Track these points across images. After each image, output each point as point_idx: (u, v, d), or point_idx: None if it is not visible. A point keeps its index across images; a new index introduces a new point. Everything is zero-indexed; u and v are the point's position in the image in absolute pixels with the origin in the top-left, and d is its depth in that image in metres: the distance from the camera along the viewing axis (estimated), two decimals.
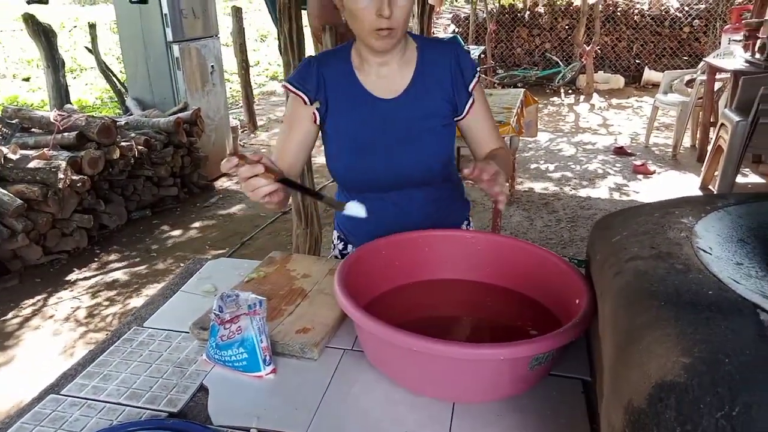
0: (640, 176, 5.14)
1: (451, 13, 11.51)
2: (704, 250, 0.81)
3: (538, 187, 5.01)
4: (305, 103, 1.33)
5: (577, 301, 0.96)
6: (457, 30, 10.69)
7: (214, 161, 5.46)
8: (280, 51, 2.93)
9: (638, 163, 5.34)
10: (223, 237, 4.34)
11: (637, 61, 9.82)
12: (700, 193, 4.61)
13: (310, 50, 3.01)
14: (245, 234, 4.35)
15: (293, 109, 1.35)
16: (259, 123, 7.83)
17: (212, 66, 5.53)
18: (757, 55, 4.46)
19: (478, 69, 1.49)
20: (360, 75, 1.33)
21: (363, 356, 1.03)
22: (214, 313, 0.99)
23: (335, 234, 1.60)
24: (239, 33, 7.32)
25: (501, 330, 1.09)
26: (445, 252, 1.18)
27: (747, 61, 4.63)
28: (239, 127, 6.88)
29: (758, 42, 4.50)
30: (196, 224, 4.58)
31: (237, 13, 7.28)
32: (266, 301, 1.00)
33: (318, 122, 1.35)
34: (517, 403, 0.91)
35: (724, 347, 0.58)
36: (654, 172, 5.20)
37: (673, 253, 0.80)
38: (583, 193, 4.82)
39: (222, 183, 5.52)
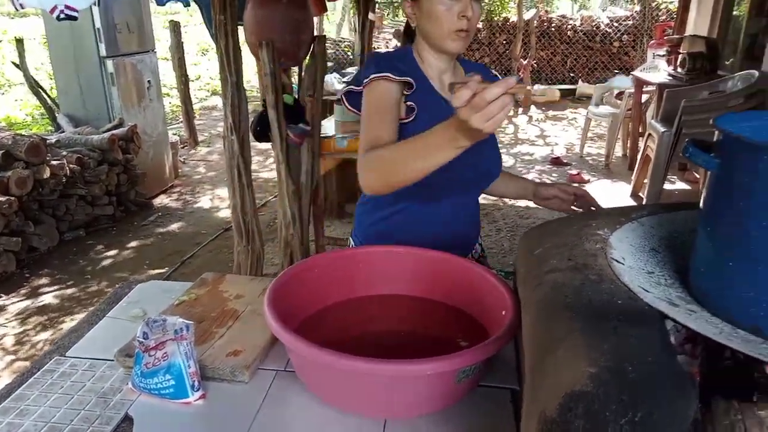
0: (575, 185, 5.32)
1: (393, 28, 11.65)
2: (617, 261, 0.85)
3: (479, 197, 5.10)
4: (408, 87, 1.29)
5: (503, 313, 0.99)
6: (398, 45, 10.82)
7: (152, 178, 5.32)
8: (219, 69, 2.89)
9: (573, 172, 5.53)
10: (162, 256, 4.22)
11: (571, 74, 10.21)
12: (631, 199, 4.82)
13: (248, 67, 2.99)
14: (185, 252, 4.25)
15: (380, 93, 1.26)
16: (201, 138, 7.68)
17: (149, 81, 5.40)
18: (679, 69, 4.72)
19: None
20: (428, 78, 1.36)
21: (295, 377, 1.02)
22: (138, 340, 0.96)
23: (352, 245, 1.52)
24: (178, 47, 7.19)
25: (434, 343, 1.11)
26: (380, 268, 1.19)
27: (670, 75, 4.89)
28: (179, 142, 6.73)
29: (679, 57, 4.76)
30: (134, 243, 4.44)
31: (175, 27, 7.16)
32: (194, 325, 0.98)
33: (411, 117, 1.29)
34: (447, 415, 0.92)
35: (629, 356, 0.60)
36: (588, 181, 5.40)
37: (588, 264, 0.84)
38: (522, 203, 4.95)
39: (161, 200, 5.38)
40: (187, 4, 4.83)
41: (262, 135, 2.96)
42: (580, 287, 0.77)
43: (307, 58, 2.94)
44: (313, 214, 3.45)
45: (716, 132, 0.75)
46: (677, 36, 5.39)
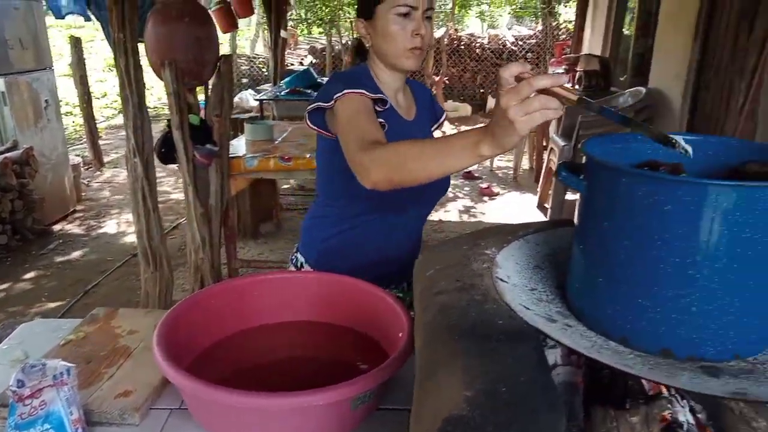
0: (486, 198, 5.51)
1: (308, 44, 11.66)
2: (502, 279, 0.88)
3: None
4: (368, 96, 1.26)
5: (400, 335, 1.00)
6: (314, 61, 10.83)
7: (51, 203, 5.00)
8: (119, 88, 2.78)
9: (484, 185, 5.73)
10: (63, 286, 3.97)
11: (481, 90, 10.59)
12: (537, 210, 5.04)
13: (160, 85, 2.88)
14: (89, 281, 4.01)
15: (357, 104, 1.22)
16: (106, 159, 7.32)
17: (46, 100, 5.09)
18: (576, 86, 5.01)
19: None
20: (387, 97, 1.36)
21: (190, 415, 0.98)
22: (11, 390, 0.89)
23: (301, 261, 1.46)
24: (79, 64, 6.84)
25: (334, 369, 1.10)
26: (276, 295, 1.17)
27: None
28: (82, 164, 6.39)
29: (577, 74, 5.05)
30: (31, 274, 4.15)
31: (76, 43, 6.82)
32: (75, 368, 0.92)
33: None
34: None
35: (504, 376, 0.63)
36: (498, 194, 5.61)
37: (475, 284, 0.86)
38: (435, 217, 5.06)
39: (62, 227, 5.06)
40: (87, 19, 4.62)
41: (168, 157, 2.87)
42: (465, 308, 0.79)
43: (213, 76, 2.88)
44: (225, 236, 3.36)
45: (584, 156, 0.80)
46: (574, 55, 5.73)
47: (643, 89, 4.20)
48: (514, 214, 4.99)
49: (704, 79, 3.45)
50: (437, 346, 0.71)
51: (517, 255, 0.99)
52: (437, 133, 1.50)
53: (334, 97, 1.23)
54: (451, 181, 5.45)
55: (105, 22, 4.26)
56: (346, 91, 1.23)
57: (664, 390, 0.83)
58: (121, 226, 5.14)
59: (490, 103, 10.26)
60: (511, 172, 6.30)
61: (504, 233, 1.06)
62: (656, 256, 0.70)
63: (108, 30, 4.13)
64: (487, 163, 6.74)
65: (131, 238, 4.71)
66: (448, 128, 9.20)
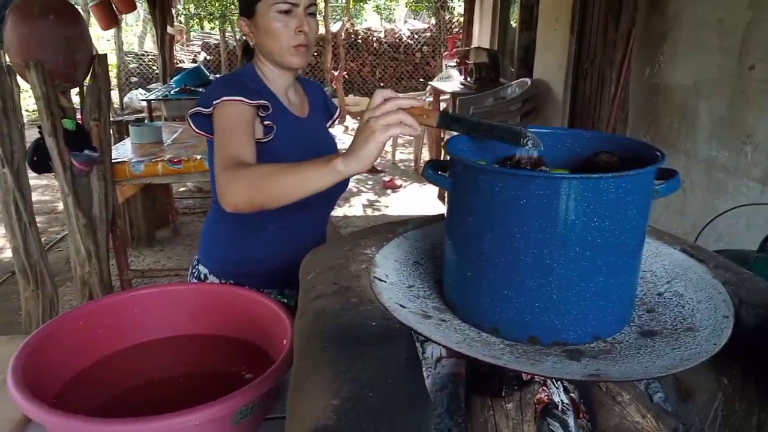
0: (389, 191, 5.58)
1: (201, 40, 11.23)
2: (380, 279, 0.88)
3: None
4: (260, 112, 1.26)
5: (285, 342, 0.98)
6: (208, 57, 10.46)
7: None
8: None
9: (387, 179, 5.79)
10: None
11: (381, 83, 10.68)
12: (438, 201, 5.17)
13: (26, 88, 2.65)
14: None
15: (233, 113, 1.20)
16: None
17: None
18: (468, 79, 5.18)
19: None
20: (276, 95, 1.35)
21: None
22: None
23: (204, 273, 1.38)
24: None
25: (221, 383, 1.06)
26: (158, 309, 1.12)
27: (461, 84, 5.34)
28: None
29: (468, 67, 5.21)
30: None
31: None
32: None
33: (269, 137, 1.28)
34: None
35: (370, 381, 0.63)
36: (401, 186, 5.69)
37: (351, 286, 0.86)
38: (340, 212, 5.06)
39: None
40: None
41: (41, 165, 2.65)
42: (339, 312, 0.78)
43: (88, 78, 2.69)
44: (114, 246, 3.17)
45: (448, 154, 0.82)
46: (465, 48, 5.91)
47: (528, 80, 4.41)
48: (416, 206, 5.08)
49: (581, 70, 3.68)
50: (308, 353, 0.70)
51: (396, 252, 0.99)
52: (333, 130, 1.52)
53: (213, 103, 1.21)
54: (355, 176, 5.42)
55: None
56: (223, 98, 1.20)
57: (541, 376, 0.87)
58: None
59: None
60: (413, 164, 6.41)
61: (384, 231, 1.06)
62: (516, 248, 0.73)
63: None
64: (389, 156, 6.82)
65: (8, 255, 4.34)
66: (351, 123, 9.21)
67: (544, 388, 0.88)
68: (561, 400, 0.88)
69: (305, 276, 0.99)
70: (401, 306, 0.81)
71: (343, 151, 0.97)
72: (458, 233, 0.80)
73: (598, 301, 0.76)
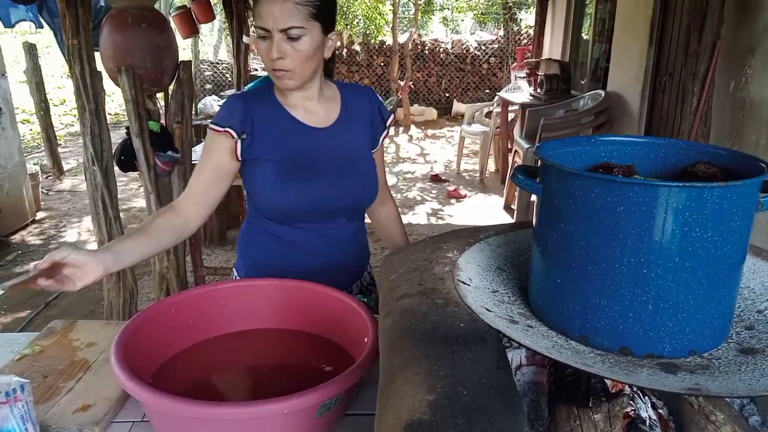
0: (453, 200, 5.56)
1: None
2: (464, 282, 0.89)
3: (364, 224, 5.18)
4: (232, 137, 1.28)
5: (366, 340, 0.99)
6: None
7: (9, 213, 4.85)
8: (75, 95, 2.71)
9: (451, 188, 5.77)
10: (24, 299, 3.84)
11: (446, 94, 10.68)
12: (504, 211, 5.10)
13: (113, 91, 2.82)
14: (50, 293, 3.89)
15: (211, 143, 1.30)
16: (67, 167, 7.14)
17: (0, 108, 4.94)
18: (538, 90, 5.10)
19: None
20: (289, 108, 1.34)
21: (152, 428, 0.96)
22: None
23: (234, 276, 1.47)
24: (35, 71, 6.67)
25: (301, 375, 1.09)
26: (241, 303, 1.16)
27: (531, 95, 5.27)
28: (41, 173, 6.21)
29: (538, 78, 5.14)
30: None
31: (31, 50, 6.64)
32: (30, 384, 0.89)
33: (240, 156, 1.30)
34: None
35: (464, 379, 0.63)
36: (465, 196, 5.66)
37: (436, 288, 0.87)
38: (405, 219, 5.07)
39: (21, 237, 4.91)
40: (40, 26, 4.50)
41: (128, 164, 2.81)
42: (426, 312, 0.79)
43: (173, 83, 2.83)
44: (190, 244, 3.31)
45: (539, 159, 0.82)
46: (535, 59, 5.83)
47: (602, 92, 4.30)
48: (481, 215, 5.04)
49: (660, 82, 3.56)
50: (398, 351, 0.72)
51: (479, 257, 0.99)
52: (391, 138, 1.50)
53: (210, 125, 1.31)
54: (419, 184, 5.45)
55: (58, 29, 4.16)
56: (213, 126, 1.29)
57: (626, 388, 0.85)
58: (83, 235, 5.01)
59: (456, 107, 10.36)
60: (478, 174, 6.36)
61: (466, 236, 1.06)
62: (611, 256, 0.72)
63: (60, 37, 4.05)
64: (455, 165, 6.80)
65: (93, 247, 4.61)
66: (415, 131, 9.25)
67: (631, 402, 0.86)
68: (648, 415, 0.86)
69: (388, 276, 1.00)
70: (487, 310, 0.82)
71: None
72: (548, 239, 0.80)
73: (695, 314, 0.73)
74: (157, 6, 3.07)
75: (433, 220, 5.10)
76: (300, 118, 1.35)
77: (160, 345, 1.06)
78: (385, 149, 7.70)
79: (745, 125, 2.86)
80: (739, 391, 0.66)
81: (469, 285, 0.88)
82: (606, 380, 0.84)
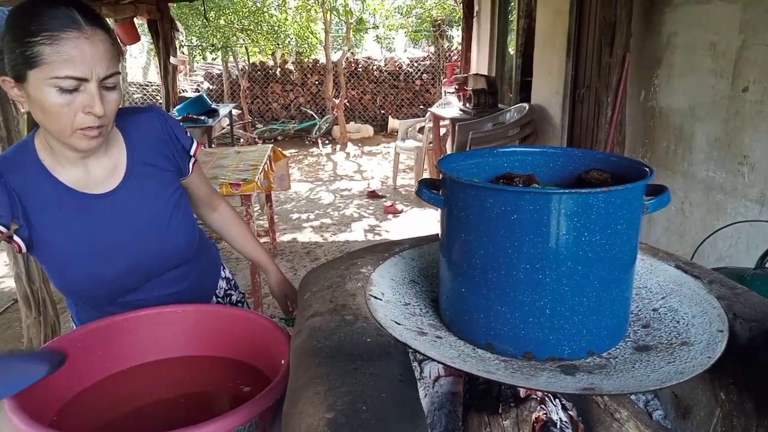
0: (390, 216, 5.59)
1: (204, 70, 11.39)
2: (375, 297, 0.89)
3: (300, 236, 5.13)
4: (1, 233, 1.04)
5: (282, 362, 0.98)
6: (211, 87, 10.60)
7: None
8: None
9: (388, 204, 5.81)
10: None
11: (382, 111, 10.79)
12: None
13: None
14: None
15: None
16: None
17: None
18: (467, 105, 5.23)
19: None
20: (60, 176, 1.08)
21: None
22: None
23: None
24: None
25: (221, 403, 1.06)
26: (155, 331, 1.12)
27: (461, 110, 5.39)
28: None
29: (467, 93, 5.27)
30: None
31: None
32: None
33: (24, 249, 1.08)
34: None
35: (364, 395, 0.63)
36: (402, 211, 5.70)
37: (347, 304, 0.86)
38: (342, 237, 5.06)
39: None
40: None
41: None
42: (334, 330, 0.79)
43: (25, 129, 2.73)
44: None
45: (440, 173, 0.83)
46: (463, 75, 5.98)
47: (526, 105, 4.45)
48: (417, 230, 5.09)
49: (578, 94, 3.72)
50: (303, 371, 0.71)
51: (393, 271, 1.00)
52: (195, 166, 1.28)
53: None
54: (356, 201, 5.40)
55: None
56: None
57: (537, 393, 0.87)
58: (1, 269, 4.73)
59: (391, 123, 10.47)
60: (413, 189, 6.43)
61: (381, 251, 1.07)
62: (508, 263, 0.74)
63: None
64: (391, 181, 6.85)
65: (10, 284, 4.35)
66: (352, 149, 9.28)
67: (543, 406, 0.88)
68: (560, 417, 0.88)
69: (302, 295, 0.99)
70: (396, 323, 0.82)
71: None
72: (452, 250, 0.81)
73: (591, 316, 0.76)
74: None
75: (370, 236, 5.11)
76: (77, 186, 1.10)
77: (66, 381, 1.00)
78: (321, 166, 7.59)
79: (657, 132, 3.02)
80: (630, 388, 0.68)
81: (380, 299, 0.89)
82: (516, 386, 0.86)
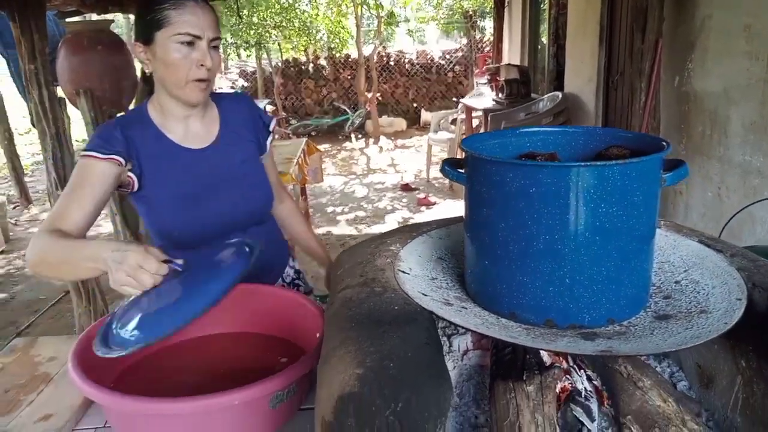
0: (423, 208, 5.63)
1: (238, 68, 11.60)
2: (403, 271, 0.94)
3: (335, 229, 5.22)
4: (120, 164, 1.22)
5: (317, 335, 1.04)
6: (245, 85, 10.79)
7: None
8: (31, 122, 2.71)
9: (421, 196, 5.85)
10: None
11: (414, 104, 10.80)
12: None
13: (72, 112, 2.83)
14: (22, 323, 3.84)
15: (89, 171, 1.19)
16: (35, 196, 7.04)
17: None
18: (500, 95, 5.22)
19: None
20: (167, 132, 1.30)
21: None
22: None
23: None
24: None
25: (259, 376, 1.12)
26: None
27: (493, 100, 5.38)
28: (7, 203, 6.12)
29: (499, 83, 5.26)
30: None
31: None
32: None
33: (136, 186, 1.27)
34: None
35: (391, 354, 0.68)
36: (435, 203, 5.73)
37: (376, 278, 0.91)
38: (375, 229, 5.13)
39: None
40: None
41: None
42: (364, 299, 0.84)
43: (133, 102, 2.86)
44: None
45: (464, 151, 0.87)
46: (495, 65, 5.97)
47: (559, 94, 4.42)
48: None
49: (612, 81, 3.68)
50: (335, 335, 0.76)
51: (420, 249, 1.05)
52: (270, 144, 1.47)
53: (81, 153, 1.22)
54: (390, 194, 5.44)
55: (12, 59, 4.14)
56: (85, 152, 1.21)
57: (562, 362, 0.91)
58: None
59: (424, 116, 10.48)
60: (447, 181, 6.45)
61: (409, 231, 1.12)
62: (529, 235, 0.77)
63: (13, 68, 4.03)
64: (424, 174, 6.88)
65: None
66: (384, 143, 9.33)
67: (568, 376, 0.91)
68: (584, 387, 0.91)
69: (335, 271, 1.05)
70: (423, 294, 0.87)
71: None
72: (475, 225, 0.85)
73: (610, 285, 0.79)
74: (119, 29, 3.10)
75: None
76: (181, 141, 1.32)
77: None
78: (354, 161, 7.65)
79: (692, 117, 2.98)
80: (647, 350, 0.71)
81: (408, 274, 0.93)
82: (540, 355, 0.90)
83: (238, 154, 1.39)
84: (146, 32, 1.20)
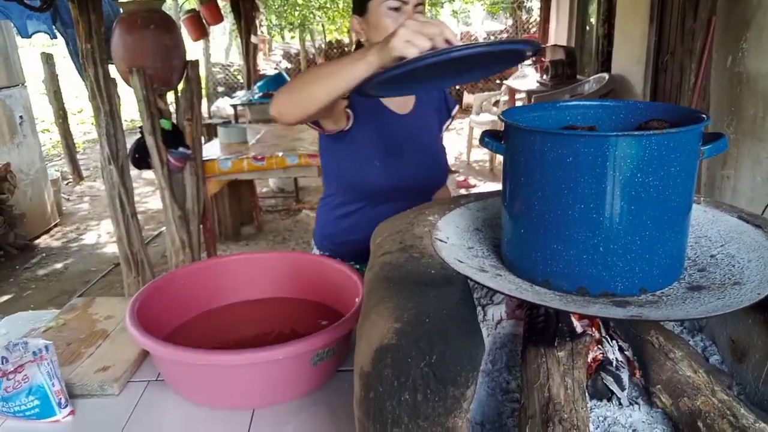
0: (463, 190, 5.63)
1: (281, 50, 11.72)
2: (441, 240, 0.97)
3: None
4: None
5: (357, 300, 1.08)
6: (289, 66, 10.90)
7: (33, 218, 5.03)
8: (89, 98, 2.83)
9: (461, 179, 5.84)
10: (49, 298, 4.00)
11: (456, 86, 10.70)
12: None
13: (122, 93, 2.94)
14: (74, 293, 4.05)
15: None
16: (86, 173, 7.33)
17: (21, 116, 5.12)
18: (544, 76, 5.14)
19: None
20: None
21: (166, 385, 1.06)
22: None
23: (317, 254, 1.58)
24: (53, 80, 6.87)
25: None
26: (243, 275, 1.25)
27: (537, 82, 5.31)
28: (61, 178, 6.40)
29: (544, 65, 5.18)
30: (15, 288, 4.17)
31: (48, 60, 6.84)
32: (53, 345, 1.00)
33: (351, 122, 1.39)
34: (310, 401, 1.00)
35: (428, 311, 0.72)
36: (475, 186, 5.72)
37: (414, 245, 0.95)
38: None
39: (45, 241, 5.09)
40: (53, 36, 4.66)
41: (142, 162, 2.93)
42: (402, 263, 0.88)
43: (182, 82, 2.95)
44: (205, 238, 3.43)
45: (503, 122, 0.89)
46: (541, 46, 5.87)
47: (606, 75, 4.33)
48: None
49: (661, 62, 3.59)
50: (374, 293, 0.80)
51: (457, 220, 1.08)
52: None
53: None
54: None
55: (71, 39, 4.30)
56: None
57: (594, 332, 0.93)
58: (103, 236, 5.18)
59: (466, 98, 10.39)
60: (487, 163, 6.41)
61: (447, 203, 1.15)
62: (564, 204, 0.79)
63: (71, 47, 4.18)
64: (464, 157, 6.85)
65: (113, 248, 4.76)
66: None
67: (600, 347, 0.93)
68: (616, 357, 0.93)
69: (375, 240, 1.09)
70: (459, 261, 0.90)
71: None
72: (512, 194, 0.88)
73: (644, 255, 0.81)
74: (166, 9, 3.19)
75: None
76: (386, 104, 1.47)
77: (171, 312, 1.16)
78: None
79: (744, 99, 2.89)
80: (677, 316, 0.73)
81: (445, 242, 0.97)
82: (572, 324, 0.92)
83: (427, 128, 1.55)
84: (361, 4, 1.36)
